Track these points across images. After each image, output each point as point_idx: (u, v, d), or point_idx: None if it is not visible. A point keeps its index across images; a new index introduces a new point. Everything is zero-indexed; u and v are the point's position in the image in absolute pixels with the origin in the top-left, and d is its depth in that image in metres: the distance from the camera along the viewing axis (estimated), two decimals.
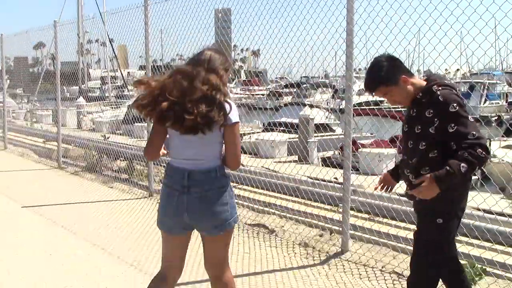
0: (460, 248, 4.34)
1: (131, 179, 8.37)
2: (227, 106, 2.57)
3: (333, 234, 5.18)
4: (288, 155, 13.30)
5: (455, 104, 2.64)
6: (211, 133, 2.56)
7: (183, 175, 2.64)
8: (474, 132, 2.61)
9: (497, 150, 8.70)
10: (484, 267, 4.08)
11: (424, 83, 2.84)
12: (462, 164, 2.56)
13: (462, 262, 4.13)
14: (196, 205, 2.61)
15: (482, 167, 2.84)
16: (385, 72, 2.77)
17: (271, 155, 12.76)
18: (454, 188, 2.72)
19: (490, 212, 4.70)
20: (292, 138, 13.19)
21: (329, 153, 12.09)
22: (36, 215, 6.27)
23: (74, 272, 4.34)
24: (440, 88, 2.72)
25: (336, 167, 7.33)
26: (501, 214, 4.64)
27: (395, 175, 3.14)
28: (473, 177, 9.28)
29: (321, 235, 5.20)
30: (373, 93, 2.88)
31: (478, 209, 4.70)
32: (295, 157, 11.99)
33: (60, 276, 4.26)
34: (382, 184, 3.19)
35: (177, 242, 2.78)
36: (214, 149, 2.66)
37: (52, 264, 4.55)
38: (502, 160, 7.84)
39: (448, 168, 2.58)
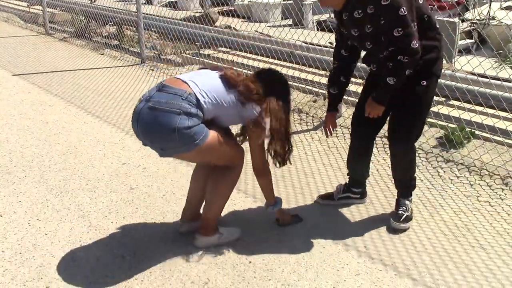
0: (452, 112, 4.42)
1: (122, 45, 8.20)
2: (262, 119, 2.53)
3: (326, 99, 5.20)
4: (282, 18, 12.92)
5: None
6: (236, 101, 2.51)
7: (158, 86, 2.50)
8: (399, 28, 2.50)
9: (497, 11, 8.44)
10: (473, 130, 4.18)
11: None
12: (388, 78, 2.61)
13: (452, 126, 4.26)
14: (144, 116, 2.41)
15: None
16: None
17: (265, 18, 12.38)
18: (430, 50, 2.70)
19: (484, 76, 4.69)
20: (287, 0, 12.70)
21: (325, 16, 11.74)
22: (28, 83, 6.23)
23: (72, 140, 4.42)
24: None
25: (332, 31, 7.14)
26: (495, 78, 4.63)
27: (334, 109, 3.12)
28: (470, 41, 9.16)
29: (314, 101, 5.24)
30: None
31: (473, 73, 4.68)
32: (290, 21, 11.67)
33: (58, 144, 4.35)
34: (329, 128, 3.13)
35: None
36: (222, 95, 2.49)
37: (49, 132, 4.62)
38: (501, 22, 7.64)
39: (379, 88, 2.70)
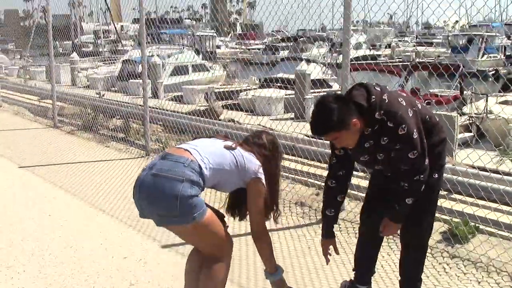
0: (454, 206, 4.41)
1: (128, 138, 8.36)
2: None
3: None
4: (284, 112, 13.26)
5: (403, 125, 2.58)
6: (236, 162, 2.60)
7: (160, 155, 2.59)
8: (415, 151, 2.62)
9: (494, 106, 8.69)
10: (477, 224, 4.14)
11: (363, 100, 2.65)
12: (407, 199, 2.69)
13: (456, 220, 4.23)
14: (146, 183, 2.46)
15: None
16: (336, 117, 2.55)
17: (268, 112, 12.71)
18: (440, 143, 2.81)
19: (484, 169, 4.73)
20: (289, 94, 13.11)
21: None
22: (33, 176, 6.29)
23: (74, 233, 4.39)
24: (381, 111, 2.60)
25: None
26: (496, 171, 4.67)
27: (331, 234, 3.04)
28: (469, 134, 9.27)
29: (317, 194, 5.25)
30: (322, 137, 2.77)
31: (473, 167, 4.73)
32: (292, 115, 11.97)
33: (59, 237, 4.31)
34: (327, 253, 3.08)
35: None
36: (223, 159, 2.58)
37: (51, 225, 4.60)
38: (499, 116, 7.84)
39: (396, 207, 2.74)
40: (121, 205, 5.13)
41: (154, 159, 2.61)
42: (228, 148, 2.63)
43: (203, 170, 2.48)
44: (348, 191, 4.92)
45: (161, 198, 2.41)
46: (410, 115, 2.64)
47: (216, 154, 2.58)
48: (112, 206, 5.12)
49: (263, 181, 2.65)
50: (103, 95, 11.83)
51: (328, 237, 3.03)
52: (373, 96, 2.62)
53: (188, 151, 2.54)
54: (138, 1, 7.15)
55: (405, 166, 2.65)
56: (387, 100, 2.62)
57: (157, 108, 9.19)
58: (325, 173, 5.55)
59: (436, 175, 2.81)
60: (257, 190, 2.64)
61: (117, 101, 10.10)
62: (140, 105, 8.18)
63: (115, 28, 28.19)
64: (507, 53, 25.16)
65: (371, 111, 2.61)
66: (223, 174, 2.58)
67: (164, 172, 2.43)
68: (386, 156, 2.72)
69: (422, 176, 2.65)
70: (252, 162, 2.64)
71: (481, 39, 23.34)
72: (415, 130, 2.61)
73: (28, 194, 5.52)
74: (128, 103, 9.91)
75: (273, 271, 2.81)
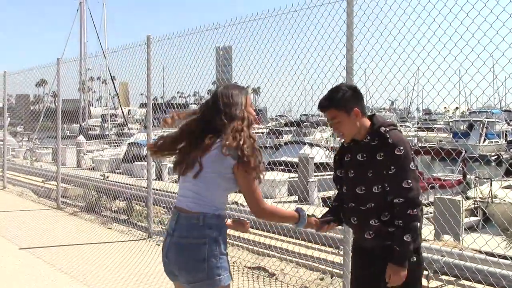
0: None
1: (130, 219, 8.31)
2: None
3: (334, 277, 5.10)
4: (288, 195, 13.22)
5: (401, 147, 2.65)
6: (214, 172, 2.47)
7: (175, 216, 2.55)
8: (409, 180, 2.62)
9: (498, 191, 8.67)
10: None
11: (369, 123, 2.80)
12: (405, 236, 2.61)
13: None
14: (172, 252, 2.47)
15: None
16: (341, 96, 2.74)
17: (271, 195, 12.69)
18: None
19: (492, 254, 4.64)
20: (293, 177, 13.14)
21: (330, 193, 12.04)
22: (34, 257, 6.19)
23: None
24: (388, 129, 2.73)
25: None
26: (504, 257, 4.58)
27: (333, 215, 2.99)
28: (475, 218, 9.19)
29: (322, 279, 5.13)
30: (324, 113, 2.81)
31: (480, 252, 4.64)
32: (295, 197, 11.93)
33: None
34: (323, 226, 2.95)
35: None
36: (214, 181, 2.49)
37: None
38: (504, 200, 7.80)
39: (397, 248, 2.64)
40: None
41: (171, 220, 2.56)
42: (199, 172, 2.48)
43: (216, 213, 2.48)
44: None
45: (189, 265, 2.41)
46: (412, 153, 2.70)
47: (204, 188, 2.49)
48: None
49: (245, 158, 2.41)
50: (107, 177, 11.88)
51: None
52: (388, 121, 2.80)
53: (192, 209, 2.48)
54: (146, 87, 7.39)
55: (399, 198, 2.62)
56: (396, 130, 2.74)
57: (160, 190, 9.20)
58: (330, 256, 5.49)
59: (414, 258, 2.72)
60: (243, 172, 2.44)
61: (121, 182, 10.13)
62: (144, 187, 8.20)
63: (123, 112, 28.86)
64: (509, 139, 25.48)
65: (378, 124, 2.73)
66: (223, 191, 2.54)
67: (185, 238, 2.43)
68: (374, 176, 2.69)
69: (415, 210, 2.60)
70: (219, 152, 2.42)
71: (481, 125, 23.75)
72: (412, 163, 2.65)
73: (27, 276, 5.41)
74: (132, 185, 9.93)
75: (296, 221, 2.72)
